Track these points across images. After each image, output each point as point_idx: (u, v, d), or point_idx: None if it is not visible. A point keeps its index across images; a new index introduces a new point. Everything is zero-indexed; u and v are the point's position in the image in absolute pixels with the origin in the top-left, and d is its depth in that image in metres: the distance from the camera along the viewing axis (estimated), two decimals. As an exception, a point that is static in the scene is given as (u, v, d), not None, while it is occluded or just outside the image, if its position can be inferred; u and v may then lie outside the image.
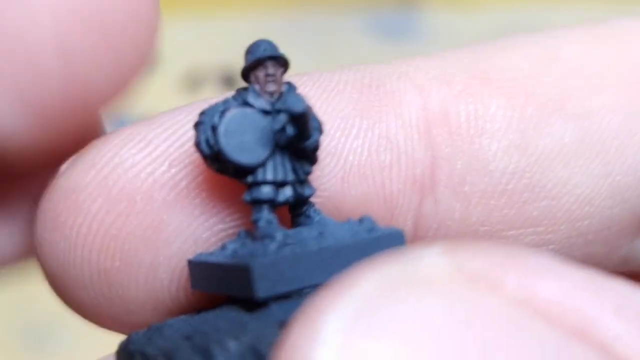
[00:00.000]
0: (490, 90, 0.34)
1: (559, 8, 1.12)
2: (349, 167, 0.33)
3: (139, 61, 0.32)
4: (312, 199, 0.32)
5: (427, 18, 1.15)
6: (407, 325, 0.21)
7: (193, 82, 1.08)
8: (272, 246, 0.29)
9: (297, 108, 0.29)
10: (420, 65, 0.35)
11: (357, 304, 0.22)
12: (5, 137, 0.31)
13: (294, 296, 0.29)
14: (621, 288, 0.23)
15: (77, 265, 0.32)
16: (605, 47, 0.36)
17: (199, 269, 0.31)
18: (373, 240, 0.30)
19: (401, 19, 1.15)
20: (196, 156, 0.32)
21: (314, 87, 0.34)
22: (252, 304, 0.29)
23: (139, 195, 0.32)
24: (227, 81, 1.03)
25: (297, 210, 0.32)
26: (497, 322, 0.22)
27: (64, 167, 0.33)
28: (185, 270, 0.32)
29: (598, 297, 0.22)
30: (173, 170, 0.32)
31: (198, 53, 1.13)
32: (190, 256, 0.32)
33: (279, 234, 0.30)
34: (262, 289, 0.28)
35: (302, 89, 0.33)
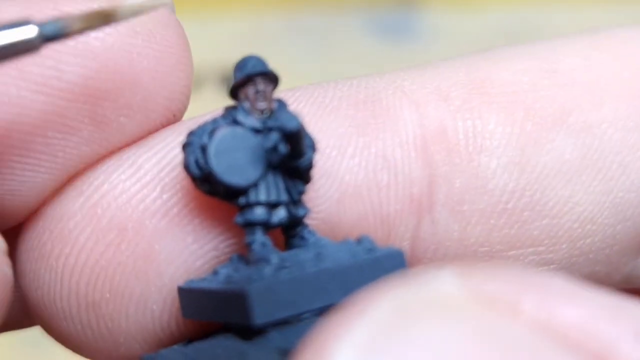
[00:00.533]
0: (489, 105, 0.33)
1: (559, 8, 1.12)
2: (345, 188, 0.32)
3: (169, 105, 0.32)
4: (307, 221, 0.31)
5: (427, 18, 1.15)
6: (423, 352, 0.21)
7: (193, 82, 1.07)
8: (268, 270, 0.28)
9: (291, 125, 0.28)
10: (416, 79, 0.34)
11: (370, 331, 0.21)
12: (23, 192, 0.31)
13: (294, 322, 0.28)
14: (638, 309, 0.22)
15: (64, 297, 0.31)
16: (606, 58, 0.35)
17: (190, 296, 0.30)
18: (373, 261, 0.29)
19: (401, 19, 1.15)
20: (188, 180, 0.31)
21: (308, 104, 0.33)
22: (249, 331, 0.28)
23: (130, 223, 0.31)
24: (227, 81, 1.02)
25: (291, 231, 0.31)
26: (516, 347, 0.21)
27: (51, 195, 0.32)
28: (177, 300, 0.31)
29: (618, 322, 0.22)
30: (165, 196, 0.31)
31: (198, 53, 1.12)
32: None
33: (274, 256, 0.29)
34: (259, 316, 0.27)
35: (296, 106, 0.32)
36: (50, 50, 0.29)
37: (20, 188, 0.31)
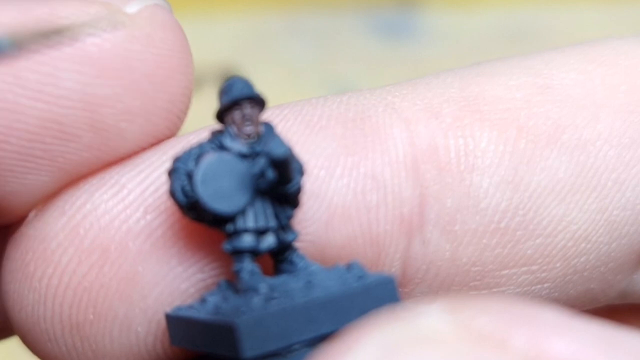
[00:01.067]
0: (481, 123, 0.33)
1: (559, 8, 1.12)
2: (334, 209, 0.31)
3: (170, 110, 0.31)
4: (295, 243, 0.31)
5: (427, 18, 1.15)
6: None
7: (193, 82, 1.07)
8: (257, 300, 0.28)
9: (279, 153, 0.28)
10: (407, 95, 0.33)
11: None
12: (24, 193, 0.31)
13: (283, 353, 0.27)
14: (632, 341, 0.22)
15: (47, 318, 0.31)
16: (601, 71, 0.34)
17: (178, 324, 0.30)
18: (363, 289, 0.28)
19: (401, 19, 1.15)
20: (173, 202, 0.30)
21: (296, 122, 0.32)
22: None
23: (113, 245, 0.30)
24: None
25: (280, 255, 0.31)
26: None
27: (32, 213, 0.32)
28: (162, 322, 0.30)
29: (608, 355, 0.22)
30: (148, 217, 0.30)
31: (198, 53, 1.12)
32: (168, 307, 0.30)
33: (263, 286, 0.28)
34: (248, 349, 0.26)
35: (283, 124, 0.32)
36: (48, 57, 0.29)
37: (21, 190, 0.31)
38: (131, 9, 0.31)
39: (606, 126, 0.33)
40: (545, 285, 0.33)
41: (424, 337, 0.22)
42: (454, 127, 0.33)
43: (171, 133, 0.32)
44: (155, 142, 0.32)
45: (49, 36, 0.27)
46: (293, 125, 0.32)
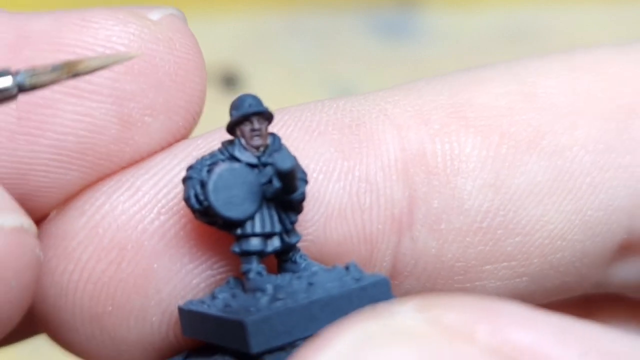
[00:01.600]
0: (466, 129, 0.35)
1: (559, 8, 1.12)
2: (331, 211, 0.34)
3: (189, 108, 0.34)
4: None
5: (427, 18, 1.15)
6: None
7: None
8: (264, 300, 0.30)
9: (285, 166, 0.30)
10: (399, 102, 0.36)
11: (335, 358, 0.23)
12: (54, 189, 0.33)
13: (287, 348, 0.30)
14: (588, 332, 0.25)
15: (69, 309, 0.33)
16: (582, 80, 0.37)
17: (190, 317, 0.32)
18: (360, 289, 0.31)
19: (401, 19, 1.15)
20: (184, 202, 0.33)
21: (297, 128, 0.35)
22: (246, 356, 0.30)
23: (130, 243, 0.33)
24: (227, 81, 1.02)
25: (284, 256, 0.33)
26: None
27: (53, 212, 0.34)
28: (175, 314, 0.33)
29: (564, 344, 0.24)
30: (162, 218, 0.33)
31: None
32: (180, 301, 0.33)
33: (270, 286, 0.31)
34: (256, 345, 0.29)
35: (284, 130, 0.34)
36: (81, 57, 0.31)
37: (53, 185, 0.33)
38: (154, 16, 0.34)
39: (583, 133, 0.36)
40: (524, 279, 0.36)
41: (396, 332, 0.24)
42: (442, 133, 0.35)
43: (187, 131, 0.35)
44: (173, 140, 0.34)
45: (66, 70, 0.30)
46: (293, 132, 0.34)
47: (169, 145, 0.34)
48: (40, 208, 0.34)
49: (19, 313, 0.30)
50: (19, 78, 0.29)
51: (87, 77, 0.31)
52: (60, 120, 0.32)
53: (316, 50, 1.09)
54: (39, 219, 0.34)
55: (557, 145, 0.35)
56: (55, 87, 0.31)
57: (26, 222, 0.30)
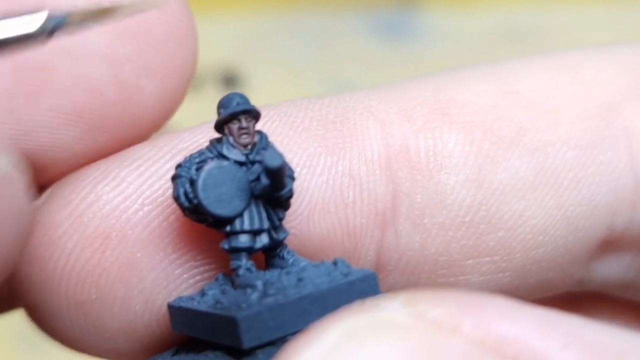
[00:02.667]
0: (450, 125, 0.36)
1: (559, 8, 1.12)
2: (314, 205, 0.34)
3: (183, 71, 0.34)
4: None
5: (427, 18, 1.15)
6: None
7: (194, 82, 1.07)
8: (255, 296, 0.31)
9: (273, 164, 0.31)
10: (384, 98, 0.36)
11: (322, 351, 0.24)
12: (59, 148, 0.33)
13: (278, 343, 0.30)
14: (570, 324, 0.25)
15: (54, 296, 0.33)
16: (563, 79, 0.37)
17: (180, 313, 0.33)
18: (348, 284, 0.32)
19: (401, 19, 1.15)
20: (168, 193, 0.33)
21: (281, 124, 0.35)
22: (238, 352, 0.31)
23: (114, 232, 0.33)
24: (227, 81, 1.03)
25: (272, 252, 0.34)
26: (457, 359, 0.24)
27: (39, 200, 0.34)
28: (158, 302, 0.34)
29: (548, 335, 0.25)
30: (146, 209, 0.33)
31: (198, 53, 1.12)
32: (163, 290, 0.33)
33: (260, 283, 0.31)
34: (248, 340, 0.30)
35: (269, 125, 0.35)
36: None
37: (57, 144, 0.33)
38: None
39: (565, 130, 0.36)
40: (507, 274, 0.36)
41: (383, 325, 0.25)
42: (425, 129, 0.36)
43: (181, 95, 0.35)
44: (169, 103, 0.35)
45: (99, 14, 0.29)
46: (278, 127, 0.35)
47: (165, 108, 0.35)
48: (53, 165, 0.34)
49: (6, 266, 0.30)
50: (51, 21, 0.28)
51: (82, 39, 0.31)
52: (56, 81, 0.32)
53: (316, 50, 1.09)
54: (53, 177, 0.35)
55: (540, 142, 0.36)
56: (50, 51, 0.31)
57: (18, 162, 0.30)
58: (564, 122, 0.36)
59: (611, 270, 0.38)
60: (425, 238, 0.35)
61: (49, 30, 0.28)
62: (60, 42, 0.31)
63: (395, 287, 0.36)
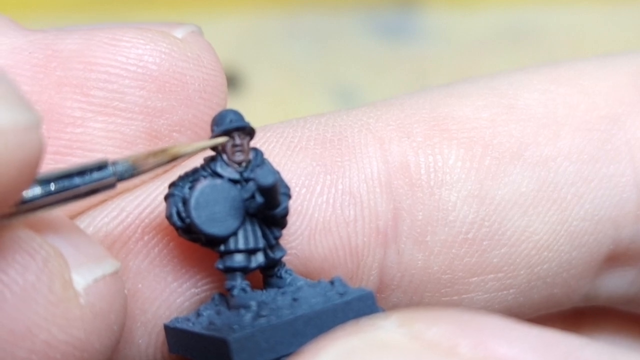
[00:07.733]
0: (449, 141, 0.35)
1: (559, 8, 1.12)
2: (315, 224, 0.34)
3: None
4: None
5: (427, 18, 1.15)
6: None
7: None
8: (248, 317, 0.30)
9: (266, 182, 0.30)
10: (382, 116, 0.36)
11: None
12: None
13: None
14: (569, 344, 0.25)
15: None
16: (563, 92, 0.37)
17: (176, 334, 0.32)
18: (344, 304, 0.31)
19: (401, 19, 1.15)
20: (167, 221, 0.32)
21: (278, 144, 0.35)
22: None
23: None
24: (228, 81, 1.02)
25: (269, 271, 0.33)
26: None
27: None
28: (161, 334, 0.33)
29: (546, 356, 0.24)
30: (146, 238, 0.33)
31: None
32: (165, 320, 0.33)
33: (254, 303, 0.31)
34: None
35: (267, 146, 0.34)
36: (115, 75, 0.32)
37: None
38: (178, 34, 0.34)
39: (566, 143, 0.36)
40: (511, 291, 0.36)
41: (378, 346, 0.24)
42: (424, 145, 0.35)
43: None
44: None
45: (161, 157, 0.31)
46: (275, 147, 0.35)
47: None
48: None
49: (109, 354, 0.31)
50: (119, 168, 0.29)
51: (121, 96, 0.32)
52: (90, 138, 0.33)
53: (316, 50, 1.09)
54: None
55: (541, 156, 0.36)
56: (87, 107, 0.32)
57: (118, 265, 0.30)
58: (565, 136, 0.36)
59: (617, 284, 0.38)
60: (428, 256, 0.35)
61: (118, 176, 0.29)
62: (95, 100, 0.32)
63: (398, 306, 0.36)
